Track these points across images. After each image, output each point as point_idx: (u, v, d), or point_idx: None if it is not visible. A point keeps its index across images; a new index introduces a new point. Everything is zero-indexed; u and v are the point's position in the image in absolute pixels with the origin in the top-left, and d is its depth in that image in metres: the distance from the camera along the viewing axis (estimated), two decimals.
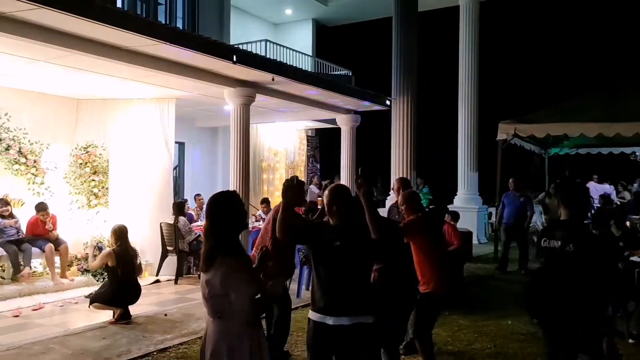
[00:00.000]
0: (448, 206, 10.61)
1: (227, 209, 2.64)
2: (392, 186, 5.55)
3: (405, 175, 10.75)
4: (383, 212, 9.05)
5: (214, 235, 2.59)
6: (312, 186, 12.79)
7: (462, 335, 5.75)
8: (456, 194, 14.11)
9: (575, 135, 10.10)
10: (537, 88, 19.12)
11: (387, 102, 10.75)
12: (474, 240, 12.08)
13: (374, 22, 17.11)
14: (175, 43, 6.20)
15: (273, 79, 7.72)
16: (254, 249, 5.09)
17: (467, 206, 13.44)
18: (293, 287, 7.89)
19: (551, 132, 10.36)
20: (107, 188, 8.72)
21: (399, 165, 10.96)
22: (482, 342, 5.56)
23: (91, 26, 5.48)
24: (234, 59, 6.89)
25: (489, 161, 14.65)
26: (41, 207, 7.74)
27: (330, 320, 2.93)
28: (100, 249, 6.51)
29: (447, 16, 15.16)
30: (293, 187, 3.12)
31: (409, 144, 10.97)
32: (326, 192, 3.21)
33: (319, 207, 11.83)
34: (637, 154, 14.36)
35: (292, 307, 6.66)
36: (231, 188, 8.24)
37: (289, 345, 5.14)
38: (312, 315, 3.02)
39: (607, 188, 14.94)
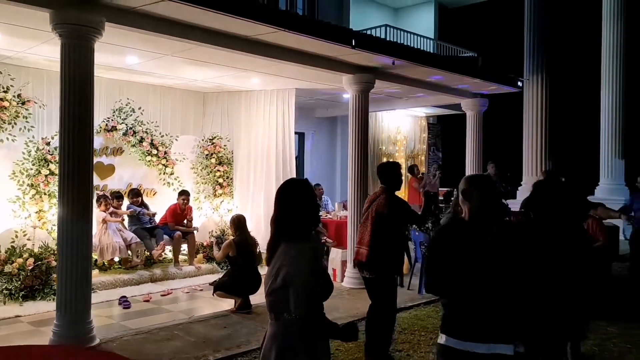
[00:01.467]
0: (588, 197, 9.43)
1: (294, 198, 2.39)
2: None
3: (539, 165, 9.78)
4: (514, 204, 8.17)
5: (279, 224, 2.38)
6: (429, 176, 12.11)
7: (610, 345, 5.04)
8: (598, 184, 12.61)
9: None
10: None
11: (519, 84, 9.76)
12: (620, 236, 10.65)
13: (500, 1, 15.77)
14: (295, 29, 5.97)
15: (394, 63, 7.27)
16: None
17: (610, 197, 11.92)
18: (414, 282, 7.43)
19: None
20: (231, 178, 8.89)
21: (531, 153, 9.98)
22: (638, 354, 4.78)
23: (213, 16, 5.42)
24: (353, 43, 6.50)
25: (637, 146, 12.92)
26: (184, 192, 8.09)
27: (481, 349, 2.42)
28: (219, 242, 6.54)
29: None
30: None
31: (543, 130, 9.96)
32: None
33: (441, 197, 11.43)
34: None
35: (408, 304, 6.27)
36: (349, 178, 7.95)
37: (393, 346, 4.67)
38: (450, 341, 2.49)
39: None
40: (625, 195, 12.23)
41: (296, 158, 10.82)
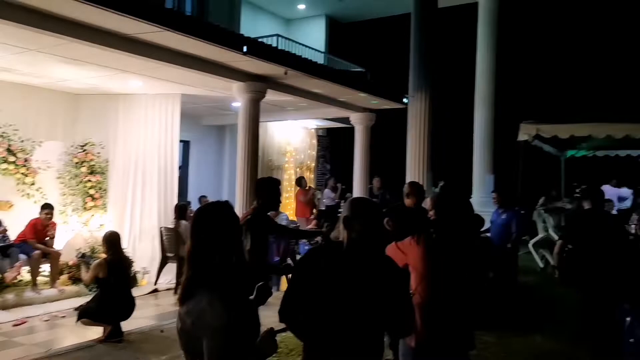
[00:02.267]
0: None
1: (215, 227, 2.02)
2: (404, 191, 4.89)
3: (420, 178, 10.11)
4: None
5: (196, 261, 2.00)
6: (326, 190, 12.11)
7: (487, 354, 5.15)
8: (471, 197, 13.43)
9: (601, 136, 9.51)
10: (558, 89, 18.35)
11: (404, 100, 10.07)
12: None
13: (390, 19, 16.42)
14: (182, 30, 5.51)
15: (286, 73, 7.14)
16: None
17: (483, 209, 12.74)
18: None
19: (576, 133, 9.85)
20: (104, 189, 8.05)
21: (414, 167, 10.34)
22: None
23: (88, 9, 4.78)
24: (244, 49, 6.19)
25: (505, 163, 14.02)
26: (47, 205, 7.13)
27: None
28: (87, 262, 5.79)
29: (465, 13, 14.49)
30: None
31: (424, 145, 10.32)
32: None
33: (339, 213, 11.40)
34: None
35: None
36: (238, 189, 7.62)
37: None
38: None
39: (625, 191, 14.23)
40: (494, 206, 13.20)
41: (180, 168, 10.25)
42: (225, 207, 2.09)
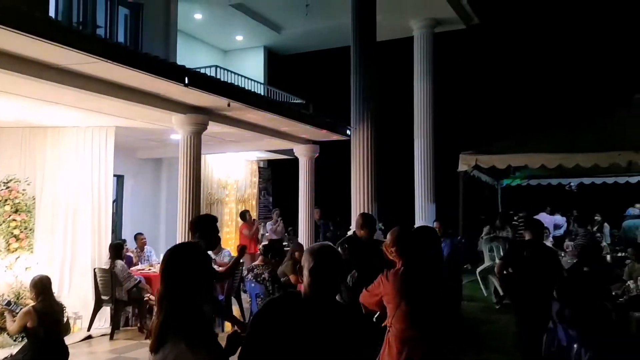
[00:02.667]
0: None
1: (187, 269, 2.02)
2: (357, 223, 5.01)
3: (366, 208, 10.20)
4: None
5: (168, 305, 1.99)
6: (269, 223, 11.97)
7: None
8: (414, 226, 13.68)
9: (536, 166, 10.00)
10: (494, 119, 19.31)
11: (348, 132, 10.22)
12: None
13: (329, 52, 16.75)
14: (119, 61, 5.32)
15: (229, 105, 7.03)
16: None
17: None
18: None
19: (512, 163, 10.35)
20: (31, 229, 7.54)
21: (359, 197, 10.43)
22: None
23: (13, 37, 4.51)
24: (186, 81, 6.06)
25: (446, 192, 14.43)
26: None
27: None
28: (12, 310, 5.32)
29: (402, 47, 15.04)
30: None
31: (369, 175, 10.46)
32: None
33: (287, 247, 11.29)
34: (572, 184, 14.62)
35: None
36: (179, 226, 7.38)
37: None
38: None
39: (560, 219, 15.03)
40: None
41: (114, 202, 9.83)
42: (198, 248, 2.11)
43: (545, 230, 12.01)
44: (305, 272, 2.23)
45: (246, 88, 13.05)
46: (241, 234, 11.53)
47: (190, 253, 2.07)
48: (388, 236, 3.71)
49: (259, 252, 10.28)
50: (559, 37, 19.83)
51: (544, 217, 13.99)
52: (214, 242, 4.09)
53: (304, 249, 8.38)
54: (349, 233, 10.37)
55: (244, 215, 11.85)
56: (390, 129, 16.04)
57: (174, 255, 2.06)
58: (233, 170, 13.58)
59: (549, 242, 11.50)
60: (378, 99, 10.81)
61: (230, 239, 12.86)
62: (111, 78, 5.93)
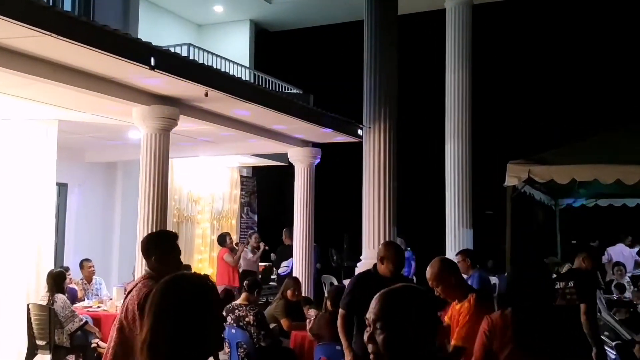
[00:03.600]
0: None
1: (189, 309, 2.01)
2: (378, 254, 5.02)
3: (382, 233, 10.25)
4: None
5: (161, 356, 1.98)
6: (246, 250, 11.96)
7: None
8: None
9: (610, 181, 9.90)
10: (552, 119, 19.14)
11: (359, 132, 10.29)
12: None
13: (335, 27, 16.77)
14: (64, 35, 5.37)
15: (206, 94, 7.11)
16: None
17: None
18: None
19: (578, 177, 10.19)
20: None
21: (373, 218, 10.46)
22: None
23: None
24: (152, 63, 6.14)
25: (487, 215, 14.43)
26: None
27: None
28: None
29: (431, 23, 15.10)
30: None
31: (386, 190, 10.49)
32: None
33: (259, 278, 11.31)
34: None
35: None
36: (138, 251, 7.37)
37: None
38: None
39: None
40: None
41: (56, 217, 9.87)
42: (203, 281, 2.09)
43: (620, 268, 12.01)
44: None
45: (228, 73, 13.19)
46: (221, 261, 11.51)
47: (198, 289, 2.06)
48: (430, 270, 4.08)
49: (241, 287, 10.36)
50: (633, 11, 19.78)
51: (621, 250, 13.89)
52: (174, 265, 3.95)
53: (300, 284, 8.44)
54: (360, 265, 10.44)
55: (223, 238, 11.86)
56: (414, 129, 16.06)
57: (164, 286, 2.06)
58: (208, 179, 13.65)
59: (625, 282, 11.47)
60: (398, 91, 10.87)
61: (202, 269, 12.88)
62: (53, 57, 5.99)
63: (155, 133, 7.49)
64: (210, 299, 2.06)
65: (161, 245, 4.01)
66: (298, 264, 10.57)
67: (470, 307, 4.08)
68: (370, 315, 2.16)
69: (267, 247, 12.13)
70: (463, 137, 13.85)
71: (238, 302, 7.60)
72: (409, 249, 13.60)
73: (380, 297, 2.18)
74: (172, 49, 12.30)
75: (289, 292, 8.04)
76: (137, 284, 3.91)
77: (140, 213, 7.56)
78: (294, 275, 9.95)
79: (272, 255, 12.69)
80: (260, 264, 12.77)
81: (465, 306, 4.12)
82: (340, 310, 5.05)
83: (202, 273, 2.84)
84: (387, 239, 10.76)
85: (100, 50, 5.75)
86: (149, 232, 7.28)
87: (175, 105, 7.55)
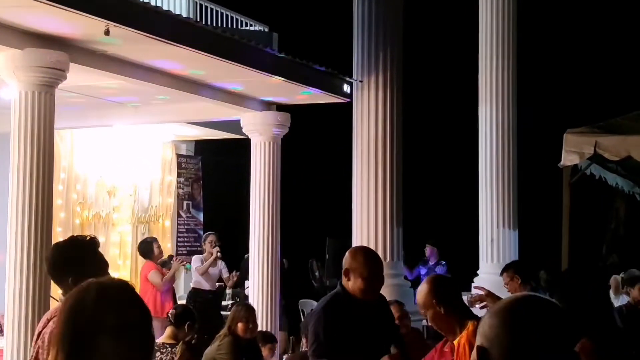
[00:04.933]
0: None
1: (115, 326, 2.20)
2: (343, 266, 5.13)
3: (382, 235, 10.29)
4: None
5: None
6: (196, 257, 11.99)
7: None
8: (477, 273, 13.75)
9: None
10: (623, 73, 19.30)
11: (346, 88, 10.22)
12: None
13: None
14: None
15: (107, 31, 7.09)
16: None
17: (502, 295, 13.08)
18: None
19: None
20: None
21: (368, 216, 10.48)
22: None
23: None
24: None
25: (537, 208, 14.48)
26: None
27: None
28: None
29: None
30: None
31: (388, 173, 10.48)
32: None
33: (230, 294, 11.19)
34: None
35: None
36: (9, 265, 7.50)
37: None
38: None
39: None
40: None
41: None
42: (129, 288, 2.28)
43: None
44: None
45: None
46: (145, 283, 11.47)
47: (119, 296, 2.24)
48: (422, 290, 4.43)
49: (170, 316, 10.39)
50: None
51: None
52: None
53: (254, 314, 8.41)
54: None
55: (147, 247, 11.80)
56: (429, 83, 16.04)
57: (84, 301, 2.21)
58: (128, 161, 13.60)
59: None
60: (404, 25, 10.84)
61: None
62: None
63: (33, 90, 7.46)
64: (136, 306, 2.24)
65: (79, 260, 4.16)
66: (255, 284, 10.60)
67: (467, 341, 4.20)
68: None
69: (219, 254, 12.08)
70: (504, 98, 13.95)
71: (161, 340, 7.58)
72: (442, 262, 13.80)
73: None
74: None
75: (239, 326, 7.98)
76: (47, 322, 4.06)
77: (10, 214, 7.54)
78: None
79: (228, 275, 12.66)
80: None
81: (462, 342, 4.24)
82: None
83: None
84: (390, 245, 10.80)
85: None
86: (23, 237, 7.30)
87: (63, 49, 7.54)
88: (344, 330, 4.89)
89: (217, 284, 12.33)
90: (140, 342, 2.25)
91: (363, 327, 4.89)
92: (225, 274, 12.24)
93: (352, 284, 4.96)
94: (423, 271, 13.49)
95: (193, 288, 11.94)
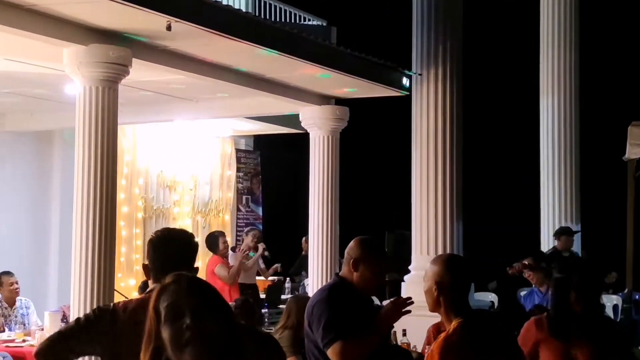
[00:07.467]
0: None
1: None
2: (348, 257, 4.85)
3: (442, 229, 10.27)
4: None
5: None
6: (232, 253, 11.97)
7: None
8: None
9: None
10: None
11: (405, 82, 10.23)
12: None
13: None
14: None
15: (169, 27, 7.19)
16: None
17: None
18: None
19: None
20: None
21: (427, 211, 10.44)
22: None
23: None
24: None
25: (601, 202, 14.33)
26: None
27: None
28: None
29: None
30: None
31: (448, 168, 10.46)
32: None
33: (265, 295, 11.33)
34: None
35: None
36: (76, 252, 7.59)
37: None
38: None
39: None
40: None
41: None
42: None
43: None
44: None
45: None
46: (212, 277, 11.46)
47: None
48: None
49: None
50: None
51: None
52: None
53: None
54: (407, 278, 10.44)
55: (213, 241, 11.81)
56: (489, 76, 15.91)
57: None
58: (188, 156, 13.74)
59: None
60: (463, 21, 10.81)
61: None
62: None
63: (97, 85, 7.56)
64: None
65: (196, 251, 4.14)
66: (314, 280, 10.63)
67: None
68: None
69: (267, 253, 12.16)
70: (566, 89, 13.83)
71: None
72: None
73: None
74: None
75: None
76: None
77: (76, 208, 7.65)
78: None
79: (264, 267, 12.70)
80: (271, 277, 12.89)
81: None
82: (337, 344, 4.80)
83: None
84: (449, 240, 10.78)
85: None
86: (87, 231, 7.44)
87: (125, 45, 7.63)
88: (351, 314, 4.65)
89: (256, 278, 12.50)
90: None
91: (366, 318, 4.69)
92: (261, 265, 12.42)
93: (359, 276, 4.79)
94: None
95: (240, 283, 11.79)
